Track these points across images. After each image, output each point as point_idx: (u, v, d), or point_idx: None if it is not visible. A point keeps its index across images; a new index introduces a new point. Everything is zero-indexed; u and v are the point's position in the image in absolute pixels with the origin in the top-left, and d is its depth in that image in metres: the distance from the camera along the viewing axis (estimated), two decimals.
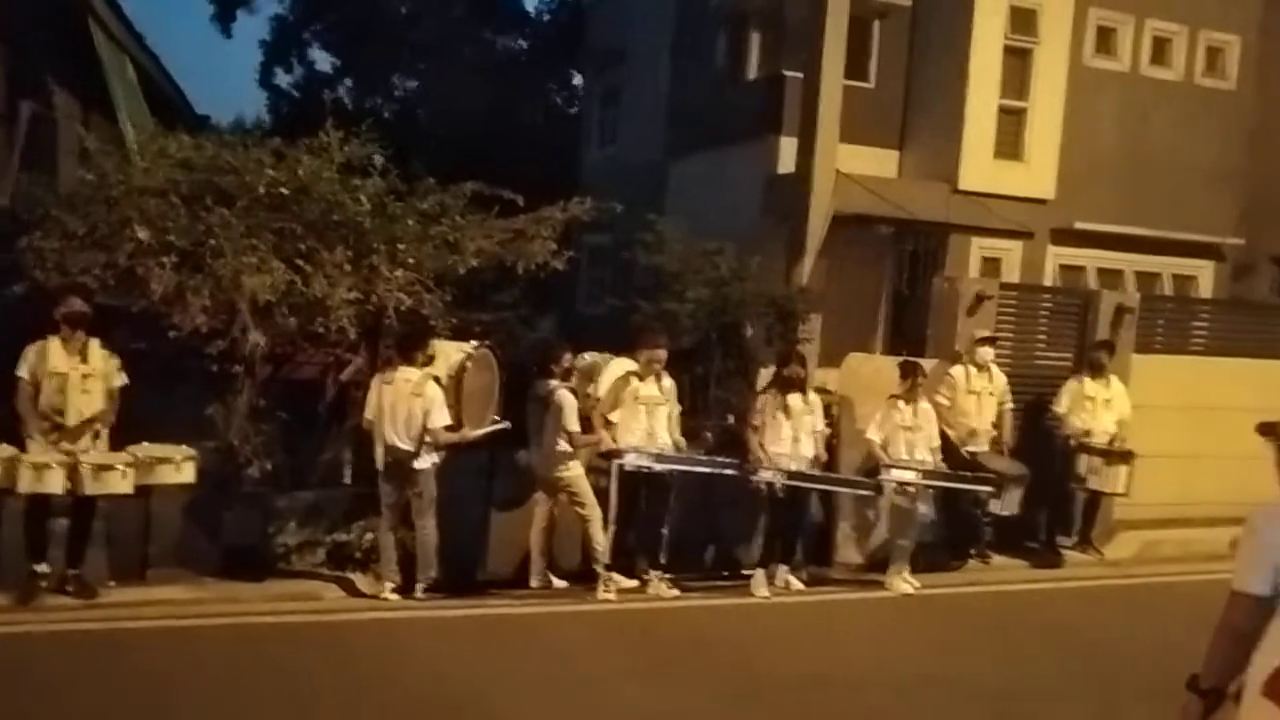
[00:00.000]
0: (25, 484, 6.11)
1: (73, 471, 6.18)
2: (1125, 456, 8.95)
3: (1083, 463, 9.00)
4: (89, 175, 7.54)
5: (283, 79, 26.55)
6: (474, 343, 7.65)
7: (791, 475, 7.59)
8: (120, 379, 6.57)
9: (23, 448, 6.27)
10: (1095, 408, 9.12)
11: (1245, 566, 3.01)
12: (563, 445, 7.45)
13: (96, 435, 6.48)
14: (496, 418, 7.40)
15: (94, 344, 6.50)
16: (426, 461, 7.03)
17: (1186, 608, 7.17)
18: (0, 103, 10.03)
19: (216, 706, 5.10)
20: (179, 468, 6.51)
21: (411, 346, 7.18)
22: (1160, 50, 14.69)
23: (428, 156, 8.50)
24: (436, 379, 7.19)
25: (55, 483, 6.14)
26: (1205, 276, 15.25)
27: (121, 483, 6.29)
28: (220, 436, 7.10)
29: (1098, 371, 9.20)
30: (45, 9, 10.90)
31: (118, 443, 6.55)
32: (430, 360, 7.29)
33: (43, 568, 6.32)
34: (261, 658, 5.83)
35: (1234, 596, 3.04)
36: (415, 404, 6.95)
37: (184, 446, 6.61)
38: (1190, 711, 3.14)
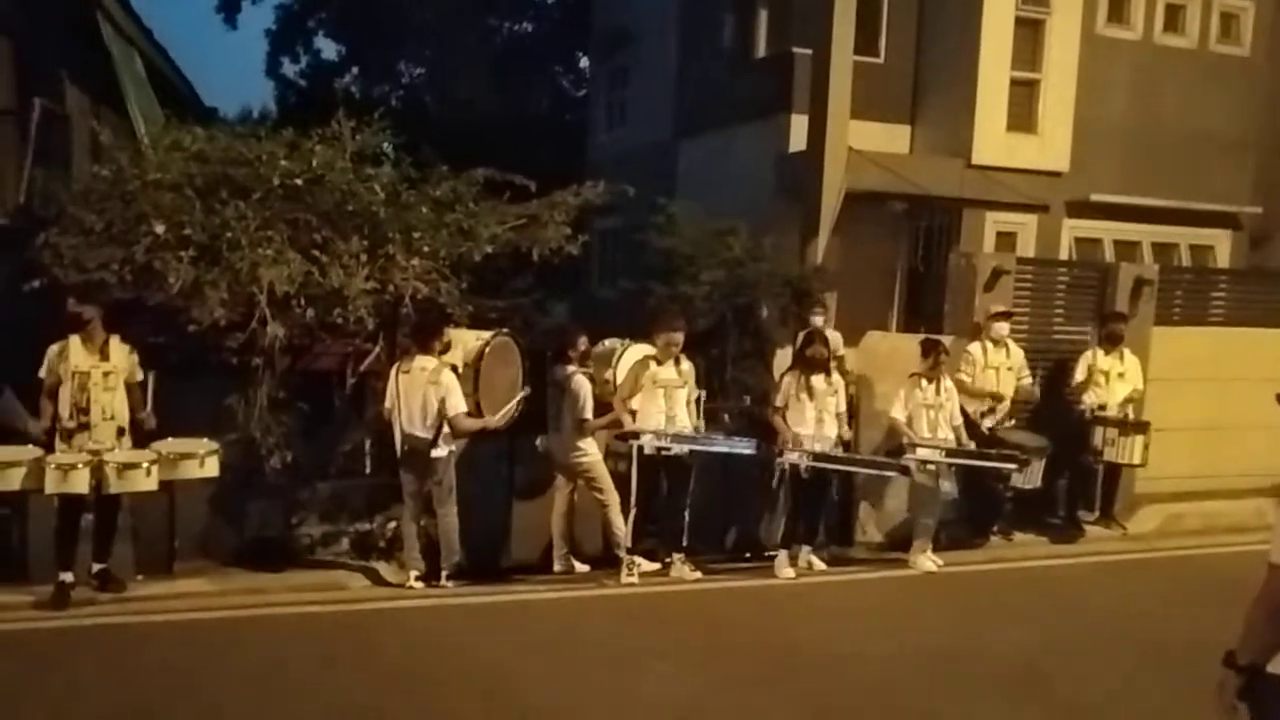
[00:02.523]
0: (52, 485, 6.13)
1: (97, 470, 6.21)
2: (1141, 427, 8.91)
3: (1099, 435, 8.96)
4: (103, 171, 7.54)
5: (289, 69, 26.55)
6: (493, 330, 7.66)
7: (817, 457, 7.58)
8: (138, 375, 6.60)
9: (49, 448, 6.31)
10: (1110, 381, 9.08)
11: None
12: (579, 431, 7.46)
13: (121, 432, 6.51)
14: (516, 406, 7.43)
15: (114, 341, 6.53)
16: (444, 450, 7.05)
17: (1211, 580, 7.18)
18: (11, 99, 10.03)
19: (246, 698, 5.14)
20: (203, 462, 6.53)
21: (428, 335, 7.19)
22: (1173, 17, 14.50)
23: (437, 143, 8.47)
24: (454, 367, 7.20)
25: (81, 483, 6.17)
26: (1223, 246, 15.09)
27: (146, 480, 6.31)
28: (241, 429, 7.12)
29: (1115, 343, 9.15)
30: (53, 4, 10.88)
31: (140, 438, 6.58)
32: (447, 348, 7.30)
33: (68, 577, 6.34)
34: (290, 649, 5.86)
35: (1273, 570, 3.01)
36: (431, 392, 6.96)
37: (207, 440, 6.63)
38: (1227, 687, 3.12)
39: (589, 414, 7.42)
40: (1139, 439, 8.87)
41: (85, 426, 6.41)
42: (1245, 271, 13.86)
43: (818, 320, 9.72)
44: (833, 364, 8.17)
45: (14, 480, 6.14)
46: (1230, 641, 3.14)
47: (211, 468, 6.59)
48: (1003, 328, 8.88)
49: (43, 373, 6.43)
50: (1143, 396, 9.20)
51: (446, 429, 6.99)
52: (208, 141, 7.41)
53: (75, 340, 6.45)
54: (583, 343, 7.70)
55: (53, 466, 6.13)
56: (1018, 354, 8.96)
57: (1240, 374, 9.79)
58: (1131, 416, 9.05)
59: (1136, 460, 8.95)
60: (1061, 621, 6.84)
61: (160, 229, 6.86)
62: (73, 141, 10.46)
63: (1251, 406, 9.80)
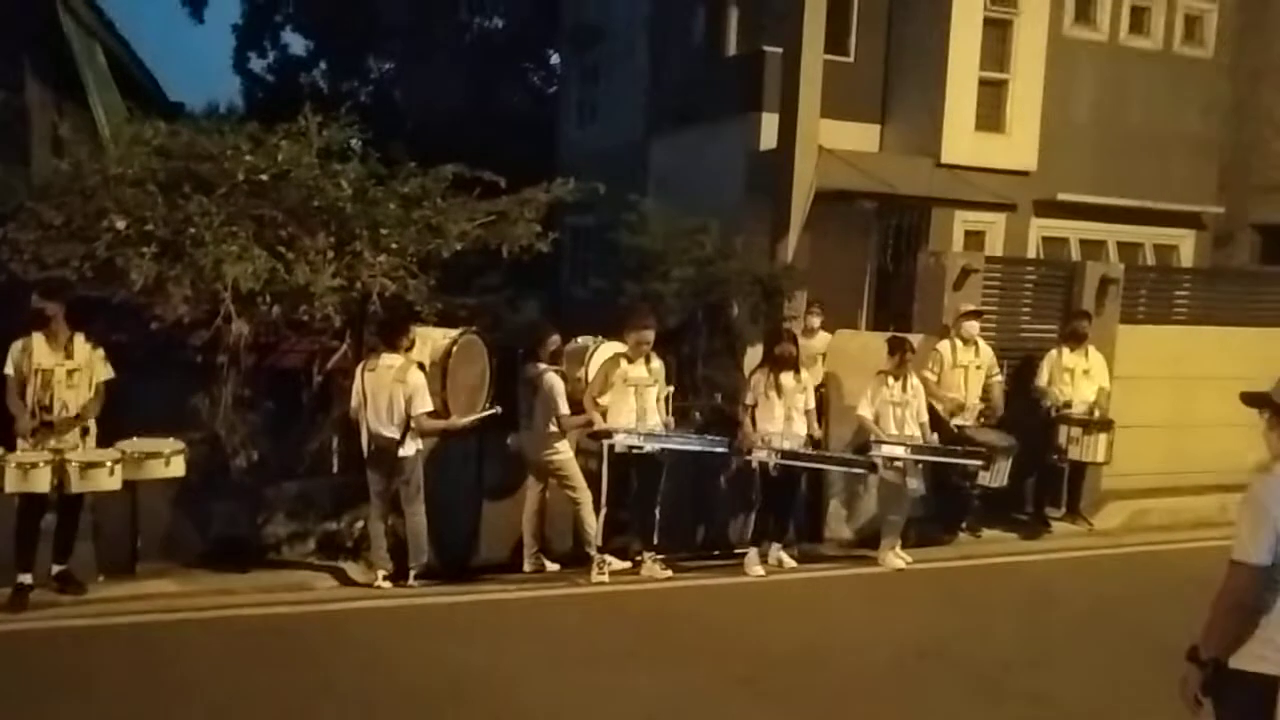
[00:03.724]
0: (12, 483, 6.01)
1: (60, 469, 6.10)
2: (1105, 426, 8.99)
3: (1063, 433, 9.04)
4: (63, 165, 7.42)
5: (256, 64, 26.20)
6: (461, 328, 7.60)
7: (785, 454, 7.59)
8: (106, 372, 6.50)
9: (11, 446, 6.18)
10: (1074, 379, 9.17)
11: (1247, 536, 3.01)
12: (552, 429, 7.42)
13: (85, 431, 6.41)
14: (488, 405, 7.38)
15: (79, 338, 6.42)
16: (411, 448, 6.98)
17: (1176, 574, 7.26)
18: None
19: (213, 701, 5.06)
20: (168, 462, 6.41)
21: (394, 333, 7.12)
22: (1139, 19, 14.65)
23: (406, 139, 8.40)
24: (421, 365, 7.14)
25: (42, 482, 6.05)
26: (1186, 246, 15.28)
27: (109, 480, 6.20)
28: (206, 427, 7.02)
29: (1078, 341, 9.23)
30: None
31: (105, 436, 6.47)
32: (411, 344, 7.23)
33: (27, 579, 6.23)
34: (256, 650, 5.79)
35: (1235, 566, 3.04)
36: (398, 390, 6.90)
37: (173, 440, 6.52)
38: (1190, 682, 3.15)
39: (565, 409, 7.37)
40: (1103, 437, 8.96)
41: (48, 425, 6.30)
42: (1208, 271, 14.05)
43: (814, 321, 9.80)
44: (805, 362, 8.20)
45: None
46: (1194, 636, 3.17)
47: (177, 467, 6.48)
48: (973, 326, 8.94)
49: (8, 370, 6.31)
50: (1109, 394, 9.29)
51: (413, 427, 6.93)
52: (170, 136, 7.29)
53: (39, 337, 6.34)
54: (554, 341, 7.66)
55: (13, 465, 6.00)
56: (987, 352, 9.01)
57: (1204, 372, 9.91)
58: (1097, 415, 9.13)
59: (1101, 458, 9.04)
60: (1030, 617, 6.90)
61: (121, 224, 6.74)
62: (32, 135, 10.27)
63: (1215, 404, 9.91)
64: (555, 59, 24.47)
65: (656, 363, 7.71)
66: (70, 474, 6.12)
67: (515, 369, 7.68)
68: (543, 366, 7.47)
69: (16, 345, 6.32)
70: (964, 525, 8.96)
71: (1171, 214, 14.72)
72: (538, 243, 8.05)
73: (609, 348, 7.86)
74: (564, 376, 7.57)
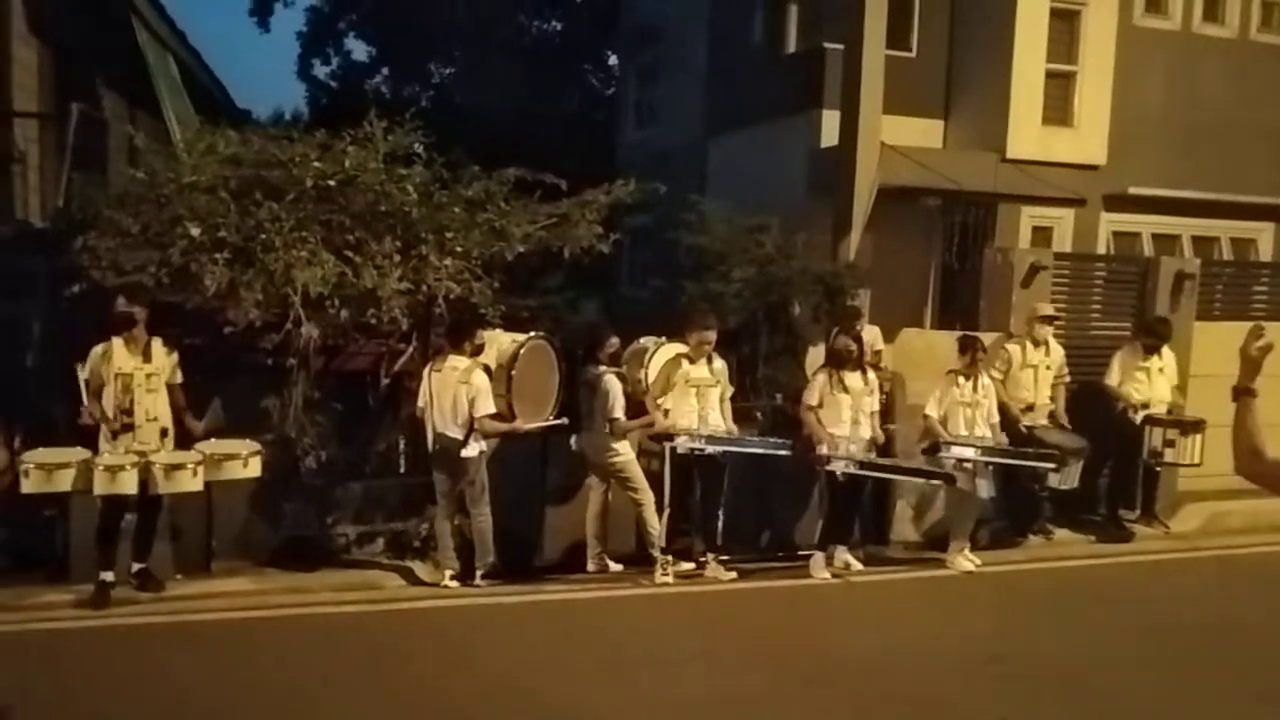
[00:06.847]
0: (100, 486, 6.18)
1: (144, 471, 6.27)
2: (1197, 426, 8.70)
3: (1156, 436, 8.76)
4: (139, 174, 7.62)
5: (320, 71, 26.72)
6: (531, 332, 7.66)
7: (863, 465, 7.47)
8: (178, 376, 6.66)
9: (94, 449, 6.36)
10: (1149, 377, 8.92)
11: None
12: (610, 430, 7.43)
13: (164, 433, 6.58)
14: (551, 415, 7.41)
15: (156, 343, 6.60)
16: (474, 449, 7.04)
17: (1256, 579, 7.04)
18: (50, 104, 10.17)
19: (285, 697, 5.16)
20: (246, 463, 6.54)
21: (460, 335, 7.19)
22: (1213, 6, 14.22)
23: (467, 143, 8.46)
24: (486, 368, 7.20)
25: (129, 484, 6.22)
26: (1265, 239, 14.78)
27: (192, 481, 6.35)
28: (277, 429, 7.16)
29: (1153, 352, 8.95)
30: (89, 10, 11.02)
31: (180, 438, 6.63)
32: (480, 349, 7.30)
33: (109, 576, 6.42)
34: (327, 648, 5.90)
35: None
36: (462, 392, 6.97)
37: (249, 441, 6.66)
38: None
39: (620, 413, 7.38)
40: (1198, 438, 8.65)
41: (130, 428, 6.48)
42: None
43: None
44: (868, 361, 8.09)
45: (64, 482, 6.18)
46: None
47: (254, 468, 6.62)
48: (1046, 330, 8.74)
49: (85, 374, 6.50)
50: (1180, 391, 9.01)
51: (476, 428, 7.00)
52: (241, 144, 7.44)
53: (117, 342, 6.52)
54: (613, 343, 7.67)
55: (101, 468, 6.18)
56: (1057, 352, 8.82)
57: None
58: (1177, 413, 8.85)
59: (1197, 460, 8.73)
60: (1103, 622, 6.72)
61: (195, 231, 6.90)
62: (109, 145, 10.60)
63: None
64: (613, 60, 24.55)
65: (718, 363, 7.68)
66: (155, 476, 6.29)
67: (575, 371, 7.71)
68: (602, 368, 7.49)
69: (97, 350, 6.51)
70: (1035, 527, 8.77)
71: (1249, 206, 14.25)
72: (599, 244, 8.07)
73: (670, 348, 7.84)
74: (624, 378, 7.57)
